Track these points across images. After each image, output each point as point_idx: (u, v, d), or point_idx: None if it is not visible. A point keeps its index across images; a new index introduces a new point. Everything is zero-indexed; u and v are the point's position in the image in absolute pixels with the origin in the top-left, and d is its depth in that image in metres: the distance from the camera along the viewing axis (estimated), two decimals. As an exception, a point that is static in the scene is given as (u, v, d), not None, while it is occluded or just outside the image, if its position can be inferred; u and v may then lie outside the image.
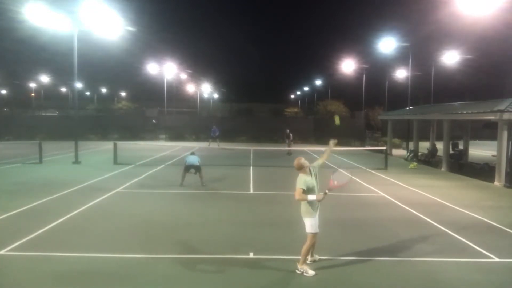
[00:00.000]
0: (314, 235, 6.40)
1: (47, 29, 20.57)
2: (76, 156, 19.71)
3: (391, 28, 66.90)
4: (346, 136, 37.24)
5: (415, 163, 20.97)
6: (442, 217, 9.95)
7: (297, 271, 6.36)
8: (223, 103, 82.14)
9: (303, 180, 6.38)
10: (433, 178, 16.83)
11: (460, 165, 20.24)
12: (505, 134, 15.31)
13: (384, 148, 22.78)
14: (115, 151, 19.59)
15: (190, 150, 17.71)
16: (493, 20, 24.70)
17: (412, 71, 31.80)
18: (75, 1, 19.59)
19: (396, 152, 28.79)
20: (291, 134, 27.00)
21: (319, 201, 6.38)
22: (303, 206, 6.42)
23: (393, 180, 15.88)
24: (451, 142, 21.29)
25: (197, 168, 13.72)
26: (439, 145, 22.39)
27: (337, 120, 29.84)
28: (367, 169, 19.01)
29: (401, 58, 37.59)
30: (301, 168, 6.48)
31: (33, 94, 76.69)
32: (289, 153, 25.47)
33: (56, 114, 53.40)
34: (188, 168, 13.67)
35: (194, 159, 13.75)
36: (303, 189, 6.30)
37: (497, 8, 19.62)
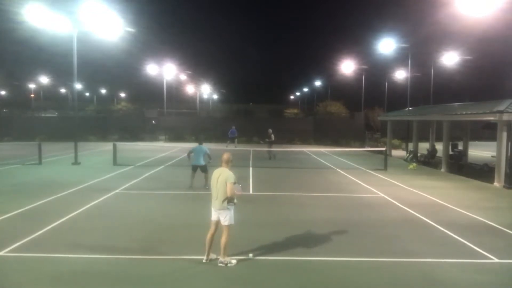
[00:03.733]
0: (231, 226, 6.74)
1: (47, 30, 20.56)
2: (76, 157, 19.71)
3: (391, 29, 67.11)
4: (346, 136, 37.33)
5: (414, 164, 20.98)
6: (442, 218, 9.95)
7: (220, 264, 6.59)
8: (223, 104, 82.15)
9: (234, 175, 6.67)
10: (433, 179, 16.84)
11: (460, 166, 20.25)
12: (504, 135, 15.32)
13: (383, 149, 22.80)
14: (114, 152, 19.58)
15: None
16: (493, 21, 24.74)
17: (412, 72, 31.82)
18: (74, 2, 19.62)
19: (396, 153, 28.81)
20: (272, 135, 23.81)
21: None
22: (228, 199, 6.61)
23: (392, 181, 15.89)
24: (450, 143, 21.30)
25: (203, 168, 13.27)
26: (439, 146, 22.41)
27: None
28: (367, 170, 19.02)
29: (400, 59, 37.61)
30: (229, 162, 6.82)
31: (32, 95, 76.69)
32: (271, 156, 23.03)
33: (55, 115, 53.32)
34: (195, 168, 13.30)
35: (199, 158, 13.18)
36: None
37: (497, 9, 19.64)
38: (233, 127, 31.61)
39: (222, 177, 6.57)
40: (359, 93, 51.86)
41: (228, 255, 6.70)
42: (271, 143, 23.57)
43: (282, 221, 9.54)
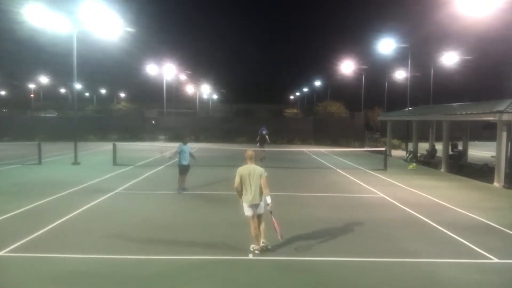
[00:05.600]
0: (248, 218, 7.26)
1: (47, 30, 20.56)
2: (76, 157, 19.70)
3: (391, 29, 66.94)
4: (346, 137, 37.35)
5: (414, 164, 20.98)
6: (441, 218, 9.95)
7: (268, 247, 7.15)
8: (223, 104, 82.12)
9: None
10: (433, 179, 16.84)
11: (460, 166, 20.26)
12: (504, 135, 15.33)
13: (383, 149, 22.80)
14: (114, 152, 19.57)
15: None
16: (493, 21, 24.73)
17: (412, 72, 31.81)
18: (74, 2, 19.62)
19: (396, 153, 28.81)
20: (267, 136, 23.73)
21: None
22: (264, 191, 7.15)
23: (392, 181, 15.89)
24: (450, 143, 21.30)
25: (188, 168, 12.78)
26: (439, 146, 22.41)
27: None
28: (366, 170, 19.01)
29: (400, 59, 37.60)
30: (253, 158, 7.46)
31: (32, 95, 76.65)
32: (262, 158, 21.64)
33: (55, 115, 53.35)
34: (184, 168, 12.81)
35: (186, 157, 12.71)
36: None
37: (497, 9, 19.65)
38: (263, 128, 30.51)
39: (256, 172, 7.12)
40: (359, 93, 51.89)
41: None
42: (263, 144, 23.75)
43: (281, 221, 9.50)
